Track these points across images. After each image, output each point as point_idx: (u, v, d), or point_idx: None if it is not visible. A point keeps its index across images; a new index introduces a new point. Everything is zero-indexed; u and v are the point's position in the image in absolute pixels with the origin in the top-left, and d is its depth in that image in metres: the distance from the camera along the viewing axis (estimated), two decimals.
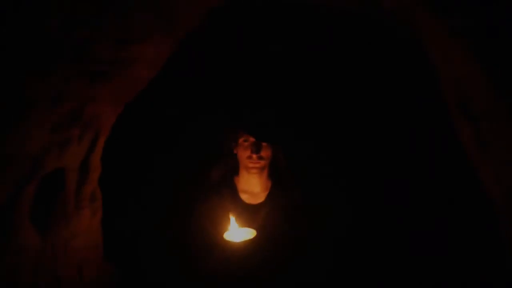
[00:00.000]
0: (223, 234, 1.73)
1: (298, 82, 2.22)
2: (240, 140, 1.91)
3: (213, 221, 1.86)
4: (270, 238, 1.80)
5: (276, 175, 2.00)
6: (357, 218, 2.11)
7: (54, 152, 1.34)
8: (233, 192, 1.96)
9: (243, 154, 1.90)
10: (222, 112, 2.09)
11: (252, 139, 1.89)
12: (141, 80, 1.57)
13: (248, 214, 1.87)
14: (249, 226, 1.77)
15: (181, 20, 1.48)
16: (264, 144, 1.89)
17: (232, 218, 1.75)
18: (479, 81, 1.28)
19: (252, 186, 1.96)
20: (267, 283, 1.80)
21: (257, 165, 1.89)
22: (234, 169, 2.00)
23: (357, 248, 2.05)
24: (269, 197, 1.95)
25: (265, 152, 1.90)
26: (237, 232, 1.72)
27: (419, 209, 2.07)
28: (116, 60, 1.31)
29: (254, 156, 1.87)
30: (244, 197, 1.96)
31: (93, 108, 1.40)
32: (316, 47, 2.16)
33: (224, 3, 1.53)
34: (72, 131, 1.36)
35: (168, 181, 2.33)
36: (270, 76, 2.20)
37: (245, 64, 2.21)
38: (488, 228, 1.59)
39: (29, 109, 1.16)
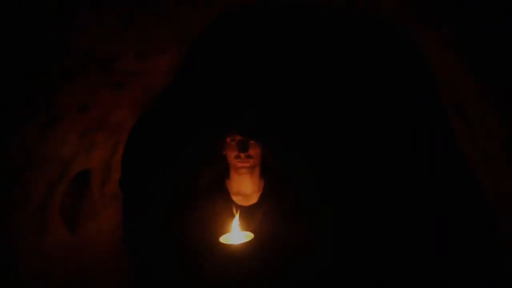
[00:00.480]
0: (219, 238, 1.70)
1: (295, 81, 2.22)
2: (227, 140, 1.86)
3: (207, 226, 1.81)
4: (266, 240, 1.77)
5: (268, 175, 1.95)
6: (354, 218, 2.09)
7: (82, 155, 1.48)
8: (225, 195, 1.92)
9: (231, 154, 1.86)
10: (210, 112, 2.06)
11: (238, 138, 1.84)
12: (158, 88, 1.70)
13: (242, 216, 1.81)
14: (244, 228, 1.74)
15: (192, 29, 1.60)
16: (252, 142, 1.84)
17: (235, 221, 1.73)
18: (471, 86, 1.36)
19: (244, 187, 1.92)
20: (265, 285, 1.78)
21: (246, 165, 1.85)
22: (225, 172, 1.96)
23: (355, 249, 2.02)
24: (262, 198, 1.90)
25: (254, 151, 1.84)
26: (233, 235, 1.69)
27: (418, 209, 2.06)
28: (136, 70, 1.45)
29: (242, 154, 1.82)
30: (237, 199, 1.91)
31: (116, 115, 1.53)
32: (313, 46, 2.15)
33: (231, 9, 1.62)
34: (98, 136, 1.50)
35: (168, 182, 2.26)
36: (261, 75, 2.18)
37: (233, 63, 2.19)
38: (488, 228, 1.61)
39: (61, 116, 1.30)
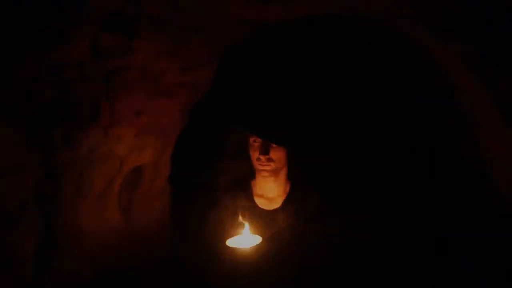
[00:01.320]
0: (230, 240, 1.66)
1: (310, 85, 2.23)
2: (251, 141, 1.83)
3: (222, 227, 1.78)
4: (286, 246, 1.73)
5: (294, 179, 1.90)
6: (376, 224, 2.02)
7: (136, 153, 1.75)
8: (248, 196, 1.89)
9: (253, 155, 1.82)
10: (235, 113, 2.09)
11: (260, 140, 1.80)
12: (200, 95, 1.93)
13: (263, 220, 1.79)
14: (264, 233, 1.70)
15: (228, 43, 1.80)
16: (274, 145, 1.79)
17: (246, 225, 1.69)
18: (479, 91, 1.46)
19: (267, 190, 1.87)
20: None
21: (267, 168, 1.80)
22: (251, 172, 1.91)
23: (373, 253, 1.95)
24: (285, 203, 1.85)
25: (275, 154, 1.79)
26: (243, 239, 1.66)
27: (419, 210, 2.08)
28: (182, 82, 1.70)
29: (263, 157, 1.78)
30: (259, 202, 1.87)
31: (165, 119, 1.79)
32: (329, 51, 2.18)
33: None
34: (149, 137, 1.76)
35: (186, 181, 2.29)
36: (282, 79, 2.20)
37: (257, 67, 2.23)
38: (488, 229, 1.68)
39: (120, 120, 1.57)
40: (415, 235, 2.05)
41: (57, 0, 1.12)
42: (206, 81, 1.83)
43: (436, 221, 2.04)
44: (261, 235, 1.69)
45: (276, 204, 1.87)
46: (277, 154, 1.80)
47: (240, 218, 1.71)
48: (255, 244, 1.61)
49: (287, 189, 1.90)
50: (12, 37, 1.12)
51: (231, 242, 1.64)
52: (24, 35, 1.14)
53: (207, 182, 2.21)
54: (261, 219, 1.80)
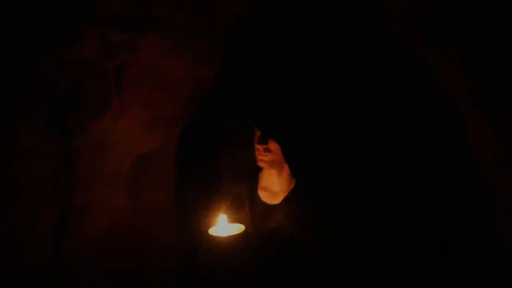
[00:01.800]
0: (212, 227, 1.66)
1: (308, 83, 2.21)
2: (255, 130, 1.82)
3: (216, 215, 1.73)
4: (279, 243, 1.72)
5: (299, 178, 1.85)
6: (373, 226, 2.05)
7: (143, 141, 1.92)
8: (253, 188, 1.89)
9: (255, 145, 1.80)
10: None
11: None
12: (204, 90, 2.07)
13: (262, 213, 1.79)
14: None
15: (227, 39, 1.90)
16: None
17: (223, 215, 1.70)
18: (464, 92, 1.54)
19: (271, 184, 1.86)
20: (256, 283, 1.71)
21: (264, 158, 1.77)
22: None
23: (362, 258, 1.91)
24: (285, 200, 1.81)
25: (274, 145, 1.75)
26: (224, 227, 1.66)
27: (419, 211, 2.09)
28: (186, 77, 1.85)
29: (260, 147, 1.76)
30: (262, 195, 1.86)
31: (170, 111, 1.94)
32: (328, 51, 2.19)
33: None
34: (156, 126, 1.92)
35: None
36: (281, 74, 2.19)
37: (257, 61, 2.23)
38: (488, 230, 1.67)
39: (129, 110, 1.74)
40: (415, 236, 2.07)
41: (65, 1, 1.27)
42: (208, 76, 1.97)
43: (435, 221, 2.05)
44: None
45: (278, 199, 1.84)
46: (276, 145, 1.77)
47: (225, 208, 1.74)
48: (234, 233, 1.62)
49: (291, 186, 1.85)
50: (21, 33, 1.27)
51: (212, 230, 1.66)
52: (33, 32, 1.29)
53: (214, 170, 2.30)
54: (261, 212, 1.81)
